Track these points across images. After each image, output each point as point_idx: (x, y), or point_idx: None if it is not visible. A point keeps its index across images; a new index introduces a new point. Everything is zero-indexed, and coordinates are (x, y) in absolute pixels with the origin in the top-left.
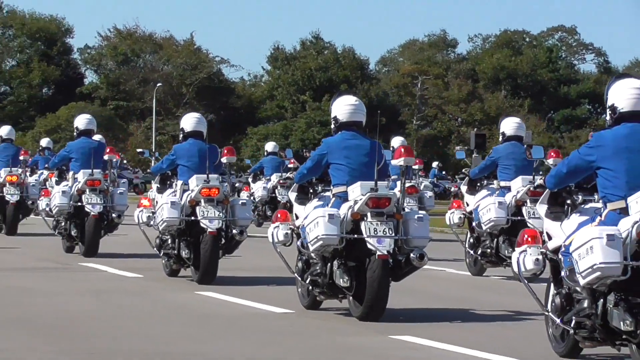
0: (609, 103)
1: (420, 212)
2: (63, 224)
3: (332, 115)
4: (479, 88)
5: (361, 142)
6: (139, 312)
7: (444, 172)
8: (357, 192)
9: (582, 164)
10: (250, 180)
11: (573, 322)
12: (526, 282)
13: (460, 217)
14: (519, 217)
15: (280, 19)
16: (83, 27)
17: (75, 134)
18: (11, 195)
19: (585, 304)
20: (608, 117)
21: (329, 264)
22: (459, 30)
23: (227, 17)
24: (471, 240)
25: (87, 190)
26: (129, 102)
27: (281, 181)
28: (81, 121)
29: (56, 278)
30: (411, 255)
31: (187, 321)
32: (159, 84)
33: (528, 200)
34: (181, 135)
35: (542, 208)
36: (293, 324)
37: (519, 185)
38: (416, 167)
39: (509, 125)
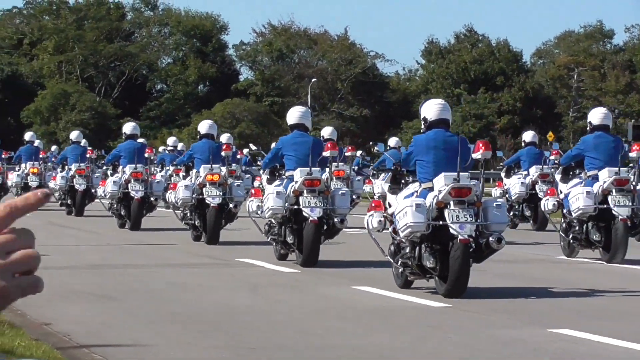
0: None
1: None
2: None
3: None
4: (637, 79)
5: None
6: (296, 307)
7: (368, 160)
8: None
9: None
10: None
11: (400, 262)
12: (373, 236)
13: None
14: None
15: (434, 12)
16: (238, 23)
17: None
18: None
19: (407, 250)
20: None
21: (417, 248)
22: (615, 20)
23: (380, 11)
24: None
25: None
26: (284, 97)
27: None
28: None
29: (213, 274)
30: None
31: (342, 315)
32: (313, 80)
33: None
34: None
35: (385, 185)
36: (451, 318)
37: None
38: (349, 154)
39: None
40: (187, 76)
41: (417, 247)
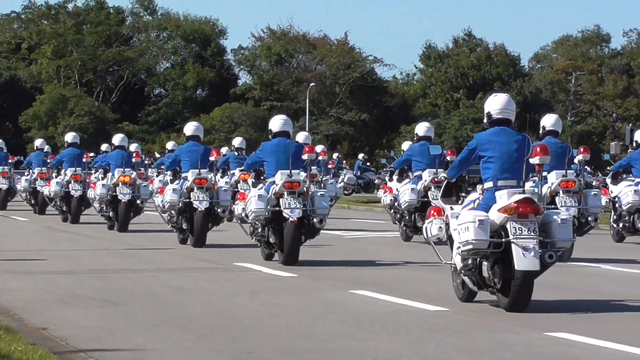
0: None
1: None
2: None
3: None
4: (635, 83)
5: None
6: (295, 311)
7: (368, 164)
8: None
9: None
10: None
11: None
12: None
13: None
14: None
15: (432, 17)
16: (236, 28)
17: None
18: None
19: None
20: None
21: (479, 260)
22: (613, 24)
23: (379, 16)
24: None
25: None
26: (282, 102)
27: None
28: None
29: (212, 278)
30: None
31: (342, 319)
32: (312, 84)
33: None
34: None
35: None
36: (449, 321)
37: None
38: (322, 158)
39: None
40: (185, 81)
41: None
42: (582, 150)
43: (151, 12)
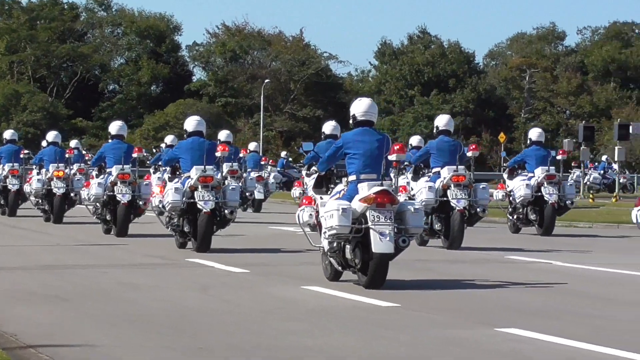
0: None
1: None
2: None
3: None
4: (588, 80)
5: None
6: (246, 307)
7: (291, 162)
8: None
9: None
10: None
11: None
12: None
13: None
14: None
15: (387, 14)
16: (191, 24)
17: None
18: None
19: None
20: None
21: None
22: (567, 22)
23: (334, 13)
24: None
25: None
26: (237, 98)
27: None
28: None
29: (164, 274)
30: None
31: (292, 315)
32: (267, 81)
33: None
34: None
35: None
36: (400, 317)
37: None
38: (242, 155)
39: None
40: (140, 77)
41: None
42: (472, 147)
43: (105, 8)
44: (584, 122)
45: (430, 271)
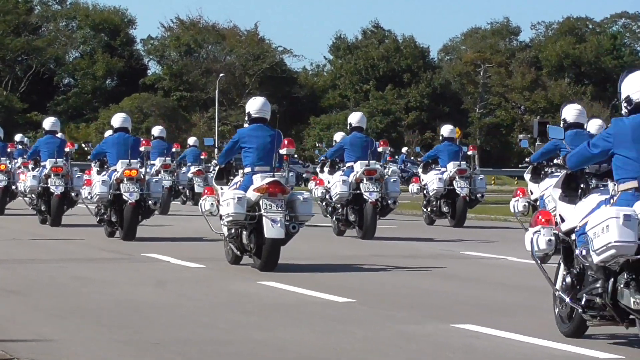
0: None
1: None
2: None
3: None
4: (543, 76)
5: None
6: (201, 302)
7: (412, 158)
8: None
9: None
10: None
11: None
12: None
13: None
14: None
15: (341, 8)
16: (146, 18)
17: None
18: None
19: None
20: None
21: (613, 279)
22: (521, 17)
23: (289, 7)
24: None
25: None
26: (192, 92)
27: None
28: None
29: (118, 268)
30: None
31: (248, 310)
32: (221, 75)
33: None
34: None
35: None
36: (356, 312)
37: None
38: (174, 149)
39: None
40: (95, 70)
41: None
42: (381, 143)
43: (60, 1)
44: (538, 117)
45: (387, 267)
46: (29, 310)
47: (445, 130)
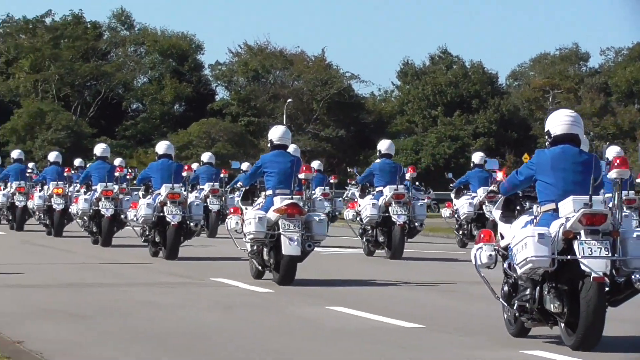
0: (545, 130)
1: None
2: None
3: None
4: (612, 102)
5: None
6: (268, 327)
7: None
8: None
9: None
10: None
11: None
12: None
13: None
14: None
15: (409, 34)
16: (214, 43)
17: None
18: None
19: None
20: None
21: (539, 288)
22: (590, 43)
23: (356, 33)
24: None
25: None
26: (259, 118)
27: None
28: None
29: (187, 293)
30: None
31: (316, 335)
32: (289, 100)
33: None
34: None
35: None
36: (423, 338)
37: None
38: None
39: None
40: (163, 96)
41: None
42: (410, 169)
43: (128, 27)
44: (607, 143)
45: (455, 292)
46: (98, 334)
47: (476, 157)
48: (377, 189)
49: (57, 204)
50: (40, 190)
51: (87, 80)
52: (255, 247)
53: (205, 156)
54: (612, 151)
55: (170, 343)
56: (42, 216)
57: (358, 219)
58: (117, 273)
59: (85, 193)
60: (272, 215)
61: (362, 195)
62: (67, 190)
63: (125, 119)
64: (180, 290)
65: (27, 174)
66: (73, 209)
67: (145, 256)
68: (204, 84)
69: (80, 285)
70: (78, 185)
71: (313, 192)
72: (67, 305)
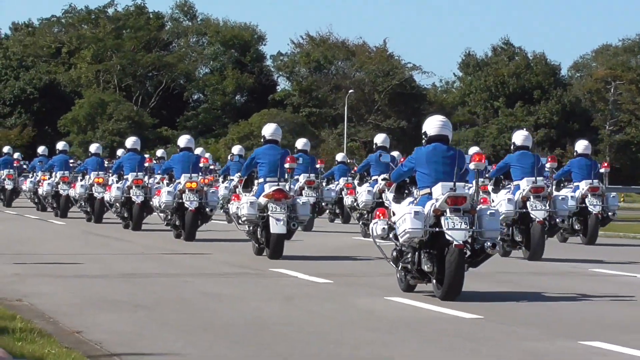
0: (423, 130)
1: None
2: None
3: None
4: None
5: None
6: (329, 318)
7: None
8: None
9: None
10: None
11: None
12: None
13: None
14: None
15: (471, 25)
16: (276, 34)
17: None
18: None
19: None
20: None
21: (417, 253)
22: None
23: (418, 24)
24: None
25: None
26: (321, 108)
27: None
28: (182, 141)
29: (247, 284)
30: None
31: (376, 326)
32: (350, 91)
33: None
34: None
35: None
36: (483, 329)
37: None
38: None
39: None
40: (224, 86)
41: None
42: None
43: (191, 17)
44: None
45: (513, 283)
46: (158, 325)
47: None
48: (373, 178)
49: (98, 193)
50: (81, 180)
51: (148, 70)
52: (251, 228)
53: (300, 143)
54: (472, 150)
55: (231, 334)
56: (83, 204)
57: (355, 204)
58: (176, 263)
59: (167, 185)
60: (262, 199)
61: (361, 183)
62: (146, 182)
63: (187, 109)
64: (240, 280)
65: (71, 165)
66: (155, 201)
67: (204, 247)
68: (266, 75)
69: (139, 276)
70: (158, 177)
71: (337, 182)
72: (126, 296)
